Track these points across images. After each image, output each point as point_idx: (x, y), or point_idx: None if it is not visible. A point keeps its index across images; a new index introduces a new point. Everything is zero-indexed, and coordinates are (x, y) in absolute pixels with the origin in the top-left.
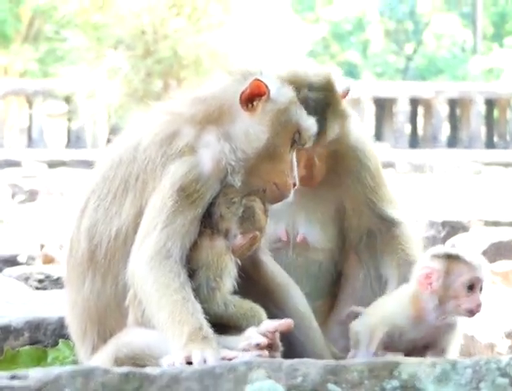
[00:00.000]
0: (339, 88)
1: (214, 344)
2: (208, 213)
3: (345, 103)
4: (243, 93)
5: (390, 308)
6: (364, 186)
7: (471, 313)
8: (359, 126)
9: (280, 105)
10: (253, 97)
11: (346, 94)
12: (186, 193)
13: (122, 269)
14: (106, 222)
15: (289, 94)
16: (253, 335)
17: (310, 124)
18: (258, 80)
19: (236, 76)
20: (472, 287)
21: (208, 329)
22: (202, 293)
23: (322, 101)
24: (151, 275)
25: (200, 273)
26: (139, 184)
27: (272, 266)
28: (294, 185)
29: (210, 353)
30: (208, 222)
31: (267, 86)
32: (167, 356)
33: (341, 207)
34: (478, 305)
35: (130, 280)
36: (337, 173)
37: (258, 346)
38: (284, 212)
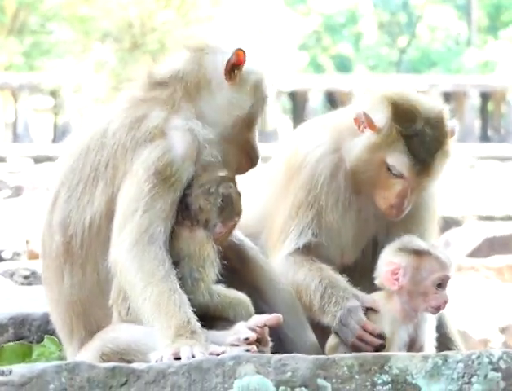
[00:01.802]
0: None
1: (203, 340)
2: (185, 204)
3: (451, 143)
4: (228, 62)
5: (384, 325)
6: (418, 221)
7: (437, 309)
8: None
9: (257, 73)
10: (234, 66)
11: (452, 133)
12: (163, 176)
13: (100, 257)
14: (79, 213)
15: (260, 62)
16: (241, 329)
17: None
18: (241, 49)
19: (206, 49)
20: (441, 284)
21: (196, 323)
22: (186, 285)
23: (437, 138)
24: (134, 263)
25: (183, 264)
26: (110, 170)
27: (261, 262)
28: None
29: (199, 349)
30: (186, 214)
31: (245, 55)
32: (155, 352)
33: (388, 225)
34: (446, 302)
35: (113, 269)
36: None
37: (247, 341)
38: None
